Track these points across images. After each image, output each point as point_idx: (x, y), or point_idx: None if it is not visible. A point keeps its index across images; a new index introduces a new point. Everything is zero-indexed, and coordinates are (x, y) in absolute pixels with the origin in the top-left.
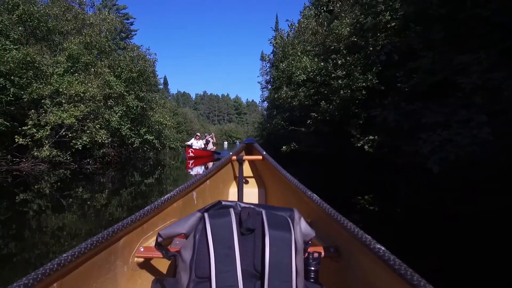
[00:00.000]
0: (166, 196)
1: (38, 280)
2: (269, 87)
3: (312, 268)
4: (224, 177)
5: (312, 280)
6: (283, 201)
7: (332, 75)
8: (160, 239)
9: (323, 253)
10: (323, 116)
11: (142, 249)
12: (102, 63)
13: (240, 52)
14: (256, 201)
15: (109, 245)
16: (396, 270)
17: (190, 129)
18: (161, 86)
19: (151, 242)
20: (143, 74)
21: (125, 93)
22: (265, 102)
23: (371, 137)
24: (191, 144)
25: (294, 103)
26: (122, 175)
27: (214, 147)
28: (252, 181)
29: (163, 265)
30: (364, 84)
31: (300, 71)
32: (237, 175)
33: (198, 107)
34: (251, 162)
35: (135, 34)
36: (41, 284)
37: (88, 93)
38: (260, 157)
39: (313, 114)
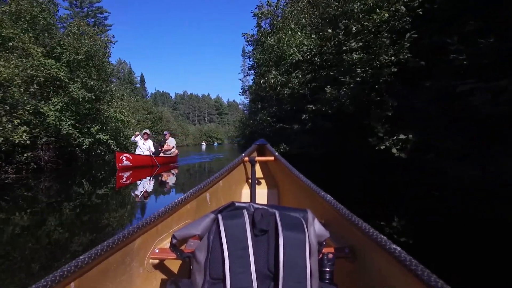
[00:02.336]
0: (180, 198)
1: (56, 282)
2: (252, 76)
3: (327, 269)
4: (236, 178)
5: (327, 281)
6: (296, 201)
7: (343, 48)
8: (174, 241)
9: (337, 254)
10: (328, 107)
11: (157, 251)
12: (25, 35)
13: (222, 52)
14: (269, 202)
15: (125, 246)
16: (412, 270)
17: (166, 129)
18: (138, 85)
19: (166, 244)
20: (92, 57)
21: (67, 80)
22: (247, 99)
23: (402, 136)
24: (136, 144)
25: (284, 92)
26: (62, 185)
27: (176, 151)
28: (264, 182)
29: (177, 266)
30: (393, 58)
31: (293, 49)
32: (250, 176)
33: (177, 107)
34: (263, 163)
35: (109, 29)
36: (59, 285)
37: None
38: (272, 158)
39: (310, 106)
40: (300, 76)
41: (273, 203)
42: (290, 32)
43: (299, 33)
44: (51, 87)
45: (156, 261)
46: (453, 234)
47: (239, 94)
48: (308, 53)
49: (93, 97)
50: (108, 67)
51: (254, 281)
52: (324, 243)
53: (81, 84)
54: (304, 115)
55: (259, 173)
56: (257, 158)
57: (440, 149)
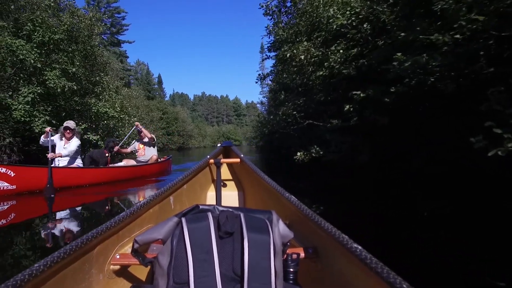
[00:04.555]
0: (142, 202)
1: None
2: (272, 61)
3: (291, 270)
4: (201, 180)
5: (291, 282)
6: (261, 203)
7: None
8: (136, 246)
9: (301, 254)
10: (400, 88)
11: (118, 256)
12: None
13: (240, 53)
14: (234, 204)
15: (84, 254)
16: (373, 268)
17: (181, 130)
18: (156, 86)
19: (128, 249)
20: (76, 38)
21: (41, 66)
22: (265, 98)
23: None
24: (53, 146)
25: (320, 73)
26: None
27: (155, 157)
28: (230, 184)
29: (140, 272)
30: None
31: (334, 9)
32: (215, 179)
33: (196, 108)
34: (229, 165)
35: (127, 29)
36: None
37: None
38: (238, 159)
39: (357, 93)
40: (342, 50)
41: (239, 205)
42: None
43: None
44: (21, 75)
45: (117, 267)
46: None
47: (256, 82)
48: (353, 17)
49: (75, 87)
50: (102, 53)
51: (218, 284)
52: (288, 243)
53: (61, 71)
54: (347, 106)
55: (224, 175)
56: (223, 160)
57: None
